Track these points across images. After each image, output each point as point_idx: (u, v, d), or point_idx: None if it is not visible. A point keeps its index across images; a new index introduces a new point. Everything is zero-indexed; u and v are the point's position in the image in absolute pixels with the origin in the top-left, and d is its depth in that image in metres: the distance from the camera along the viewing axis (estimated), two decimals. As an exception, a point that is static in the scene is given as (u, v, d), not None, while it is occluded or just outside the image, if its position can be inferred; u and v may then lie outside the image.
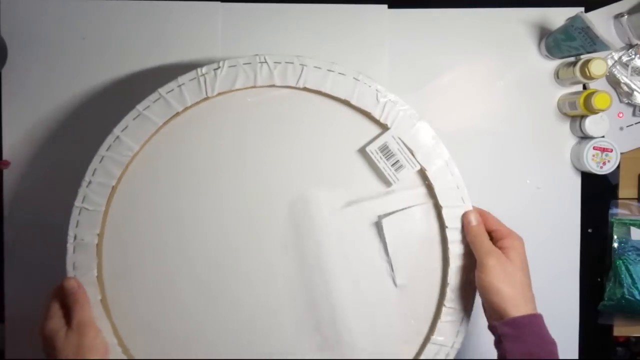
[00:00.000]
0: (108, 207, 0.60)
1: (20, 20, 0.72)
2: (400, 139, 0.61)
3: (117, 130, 0.60)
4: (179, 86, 0.60)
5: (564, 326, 0.75)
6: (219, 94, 0.60)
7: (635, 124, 0.74)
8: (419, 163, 0.61)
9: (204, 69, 0.60)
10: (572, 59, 0.72)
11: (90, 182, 0.60)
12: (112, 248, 0.61)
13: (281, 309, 0.62)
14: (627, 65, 0.73)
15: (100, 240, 0.60)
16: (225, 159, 0.62)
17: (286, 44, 0.72)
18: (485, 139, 0.74)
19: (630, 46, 0.73)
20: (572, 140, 0.74)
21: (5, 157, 0.72)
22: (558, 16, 0.72)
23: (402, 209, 0.62)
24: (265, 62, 0.60)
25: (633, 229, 0.74)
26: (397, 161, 0.61)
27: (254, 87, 0.60)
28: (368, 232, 0.62)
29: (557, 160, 0.74)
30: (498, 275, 0.56)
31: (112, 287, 0.61)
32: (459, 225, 0.61)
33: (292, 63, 0.60)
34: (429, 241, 0.62)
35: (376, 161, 0.61)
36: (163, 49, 0.72)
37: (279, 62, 0.60)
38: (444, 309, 0.61)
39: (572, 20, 0.65)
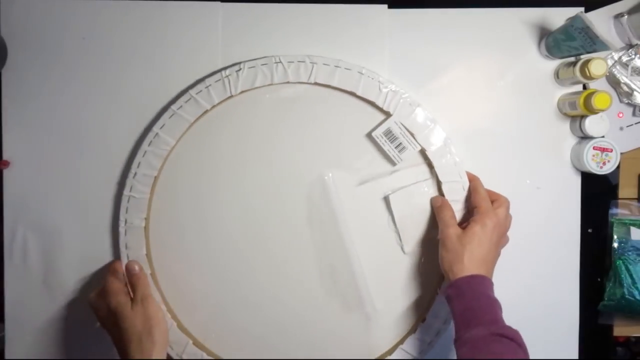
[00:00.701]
0: (152, 194, 0.70)
1: (20, 20, 0.72)
2: (401, 123, 0.69)
3: (156, 128, 0.69)
4: (207, 87, 0.69)
5: (564, 326, 0.75)
6: (242, 92, 0.69)
7: (635, 124, 0.74)
8: (419, 144, 0.69)
9: (227, 71, 0.69)
10: (572, 59, 0.72)
11: (135, 174, 0.69)
12: (157, 229, 0.72)
13: (308, 277, 0.72)
14: (627, 65, 0.73)
15: (147, 224, 0.70)
16: (249, 148, 0.71)
17: (286, 44, 0.72)
18: (485, 138, 0.74)
19: (630, 46, 0.73)
20: (572, 140, 0.74)
21: (5, 157, 0.72)
22: (558, 16, 0.72)
23: (407, 186, 0.71)
24: (280, 62, 0.69)
25: (633, 229, 0.74)
26: (400, 144, 0.70)
27: (271, 84, 0.69)
28: (378, 207, 0.72)
29: (557, 160, 0.74)
30: (451, 245, 0.64)
31: (160, 263, 0.72)
32: (457, 197, 0.70)
33: (303, 62, 0.69)
34: (431, 213, 0.71)
35: (381, 144, 0.70)
36: (163, 48, 0.72)
37: (292, 62, 0.69)
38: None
39: (572, 20, 0.65)
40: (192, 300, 0.73)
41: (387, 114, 0.69)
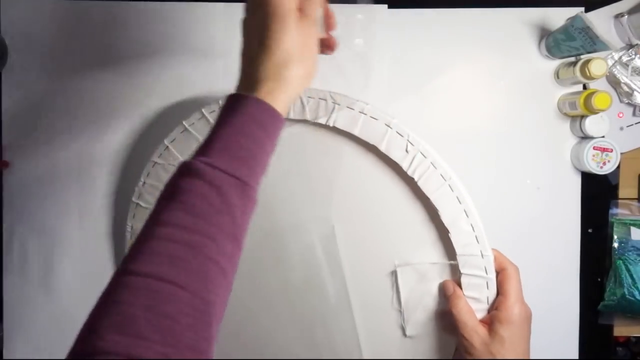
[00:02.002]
0: None
1: (20, 20, 0.72)
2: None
3: (167, 141, 0.66)
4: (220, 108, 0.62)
5: (564, 326, 0.75)
6: None
7: (635, 124, 0.74)
8: (444, 225, 0.58)
9: None
10: (572, 59, 0.72)
11: (144, 183, 0.67)
12: None
13: (296, 338, 0.65)
14: (627, 65, 0.73)
15: None
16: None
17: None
18: (485, 139, 0.74)
19: (630, 46, 0.73)
20: (572, 140, 0.74)
21: (5, 157, 0.72)
22: (558, 16, 0.72)
23: (419, 263, 0.61)
24: (300, 98, 0.60)
25: (633, 229, 0.74)
26: None
27: (287, 119, 0.59)
28: (385, 278, 0.62)
29: (557, 160, 0.74)
30: (478, 354, 0.54)
31: None
32: (478, 295, 0.58)
33: (324, 100, 0.59)
34: (442, 299, 0.61)
35: None
36: (164, 49, 0.72)
37: (312, 97, 0.59)
38: None
39: (572, 20, 0.65)
40: None
41: (410, 180, 0.59)
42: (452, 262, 0.59)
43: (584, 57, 0.70)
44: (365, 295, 0.63)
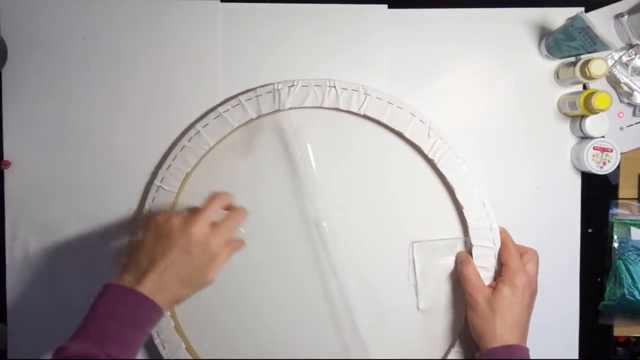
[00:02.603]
0: (180, 190, 0.69)
1: (20, 20, 0.72)
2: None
3: (199, 126, 0.68)
4: (257, 96, 0.68)
5: (564, 326, 0.75)
6: (290, 108, 0.68)
7: (635, 124, 0.74)
8: (458, 201, 0.67)
9: (280, 85, 0.68)
10: (572, 59, 0.72)
11: (170, 166, 0.68)
12: None
13: (310, 316, 0.71)
14: (627, 65, 0.73)
15: None
16: (286, 168, 0.70)
17: (286, 44, 0.72)
18: (485, 138, 0.74)
19: (630, 46, 0.73)
20: (572, 140, 0.74)
21: (5, 157, 0.72)
22: (558, 16, 0.72)
23: (435, 240, 0.68)
24: (334, 87, 0.67)
25: (633, 229, 0.74)
26: None
27: (320, 107, 0.68)
28: (401, 253, 0.69)
29: (557, 160, 0.74)
30: (480, 310, 0.60)
31: None
32: (487, 264, 0.66)
33: (357, 91, 0.67)
34: (455, 273, 0.68)
35: None
36: (163, 48, 0.72)
37: (346, 89, 0.67)
38: (458, 340, 0.67)
39: (572, 20, 0.65)
40: (196, 306, 0.70)
41: (431, 162, 0.68)
42: (465, 237, 0.68)
43: (584, 57, 0.70)
44: (383, 270, 0.69)
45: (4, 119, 0.72)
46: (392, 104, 0.67)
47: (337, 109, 0.67)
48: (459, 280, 0.66)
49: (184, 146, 0.68)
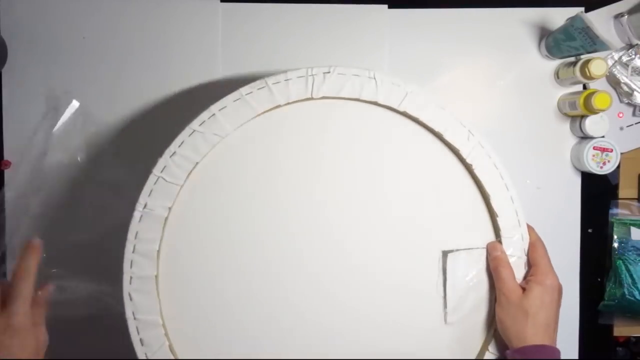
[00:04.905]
0: (185, 182, 0.59)
1: (20, 20, 0.72)
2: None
3: (214, 108, 0.58)
4: (286, 80, 0.59)
5: (564, 326, 0.75)
6: (323, 97, 0.60)
7: (635, 124, 0.74)
8: (493, 209, 0.62)
9: (315, 70, 0.60)
10: (572, 59, 0.72)
11: (174, 153, 0.58)
12: (178, 225, 0.59)
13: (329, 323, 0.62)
14: (627, 65, 0.73)
15: (169, 215, 0.58)
16: (313, 163, 0.61)
17: (286, 44, 0.72)
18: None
19: (630, 46, 0.73)
20: (572, 140, 0.74)
21: (5, 157, 0.73)
22: (558, 16, 0.72)
23: (469, 249, 0.62)
24: (374, 78, 0.60)
25: (633, 229, 0.74)
26: None
27: (358, 99, 0.60)
28: (430, 262, 0.62)
29: (557, 160, 0.74)
30: (512, 308, 0.58)
31: (169, 267, 0.59)
32: (517, 275, 0.61)
33: (398, 85, 0.60)
34: (485, 286, 0.62)
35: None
36: (163, 48, 0.72)
37: (386, 82, 0.60)
38: (486, 354, 0.62)
39: (572, 20, 0.65)
40: (200, 321, 0.60)
41: (468, 166, 0.61)
42: (497, 238, 0.62)
43: (584, 57, 0.70)
44: (408, 279, 0.62)
45: (4, 119, 0.72)
46: (432, 103, 0.61)
47: (376, 103, 0.60)
48: (489, 288, 0.62)
49: (194, 130, 0.58)
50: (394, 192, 0.62)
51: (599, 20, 0.72)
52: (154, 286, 0.58)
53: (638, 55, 0.73)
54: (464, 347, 0.62)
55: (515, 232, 0.62)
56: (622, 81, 0.73)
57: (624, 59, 0.73)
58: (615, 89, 0.74)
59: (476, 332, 0.62)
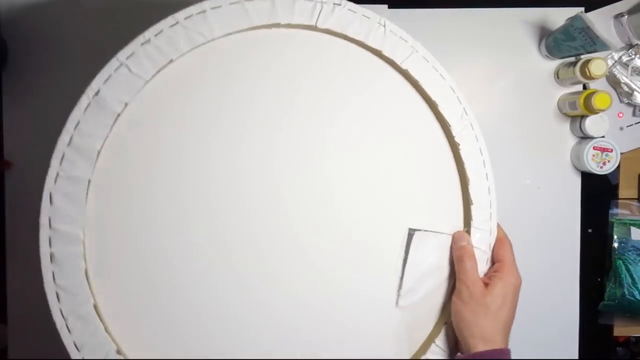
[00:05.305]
0: (152, 78, 0.50)
1: (20, 20, 0.72)
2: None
3: (207, 5, 0.50)
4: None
5: (564, 326, 0.75)
6: (328, 30, 0.54)
7: (635, 124, 0.74)
8: (469, 196, 0.58)
9: None
10: (572, 59, 0.72)
11: (148, 41, 0.50)
12: (130, 129, 0.51)
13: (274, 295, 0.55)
14: (627, 65, 0.73)
15: (122, 113, 0.50)
16: (290, 100, 0.54)
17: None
18: (485, 138, 0.74)
19: (630, 46, 0.73)
20: (572, 140, 0.74)
21: (5, 157, 0.72)
22: (558, 16, 0.72)
23: (436, 232, 0.58)
24: (384, 26, 0.55)
25: (633, 229, 0.74)
26: None
27: (364, 44, 0.55)
28: (394, 239, 0.57)
29: (557, 160, 0.74)
30: (473, 305, 0.55)
31: (106, 176, 0.51)
32: (480, 267, 0.58)
33: (405, 41, 0.55)
34: (444, 275, 0.58)
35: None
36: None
37: (395, 34, 0.55)
38: (432, 346, 0.57)
39: (572, 20, 0.65)
40: (126, 249, 0.51)
41: (454, 145, 0.58)
42: (466, 228, 0.58)
43: (584, 57, 0.70)
44: (369, 252, 0.57)
45: (4, 119, 0.72)
46: (437, 70, 0.56)
47: (380, 53, 0.55)
48: (447, 277, 0.58)
49: (177, 22, 0.50)
50: (370, 155, 0.56)
51: (599, 20, 0.72)
52: (84, 193, 0.49)
53: (638, 55, 0.73)
54: (411, 335, 0.58)
55: (486, 225, 0.59)
56: (622, 81, 0.73)
57: (624, 59, 0.73)
58: (615, 89, 0.74)
59: (426, 322, 0.58)
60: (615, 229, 0.74)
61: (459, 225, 0.59)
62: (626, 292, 0.72)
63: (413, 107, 0.57)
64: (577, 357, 0.75)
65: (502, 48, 0.74)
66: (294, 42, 0.54)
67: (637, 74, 0.73)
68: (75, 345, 0.50)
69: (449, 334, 0.58)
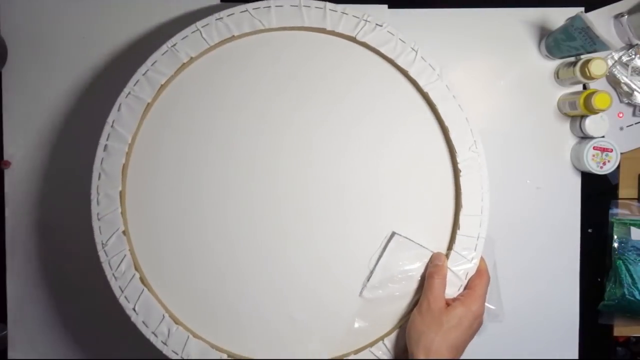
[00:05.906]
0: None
1: (20, 20, 0.72)
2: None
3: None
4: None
5: (564, 326, 0.75)
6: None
7: (635, 124, 0.74)
8: (459, 221, 0.61)
9: (368, 17, 0.62)
10: (572, 59, 0.72)
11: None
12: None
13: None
14: (627, 65, 0.73)
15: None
16: (298, 98, 0.62)
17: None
18: (485, 138, 0.74)
19: (630, 46, 0.73)
20: (572, 140, 0.74)
21: (5, 157, 0.73)
22: (558, 16, 0.72)
23: (417, 244, 0.61)
24: (416, 52, 0.62)
25: (633, 229, 0.74)
26: None
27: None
28: (377, 235, 0.62)
29: (557, 160, 0.74)
30: (428, 319, 0.57)
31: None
32: (447, 291, 0.60)
33: (433, 69, 0.62)
34: (413, 286, 0.61)
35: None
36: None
37: (425, 61, 0.62)
38: (379, 343, 0.61)
39: (572, 20, 0.65)
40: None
41: (452, 151, 0.62)
42: (447, 251, 0.61)
43: (584, 57, 0.70)
44: (352, 240, 0.62)
45: (4, 119, 0.72)
46: (456, 99, 0.62)
47: (407, 73, 0.61)
48: (416, 289, 0.61)
49: (246, 10, 0.61)
50: (377, 160, 0.62)
51: (599, 20, 0.72)
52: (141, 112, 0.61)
53: (638, 55, 0.73)
54: (366, 328, 0.61)
55: (467, 254, 0.61)
56: (622, 81, 0.73)
57: (624, 59, 0.73)
58: (615, 89, 0.74)
59: (383, 321, 0.61)
60: (615, 229, 0.74)
61: (443, 247, 0.62)
62: (626, 292, 0.72)
63: (426, 128, 0.62)
64: (577, 357, 0.75)
65: (502, 48, 0.74)
66: (332, 47, 0.63)
67: (637, 74, 0.73)
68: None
69: (399, 339, 0.60)
